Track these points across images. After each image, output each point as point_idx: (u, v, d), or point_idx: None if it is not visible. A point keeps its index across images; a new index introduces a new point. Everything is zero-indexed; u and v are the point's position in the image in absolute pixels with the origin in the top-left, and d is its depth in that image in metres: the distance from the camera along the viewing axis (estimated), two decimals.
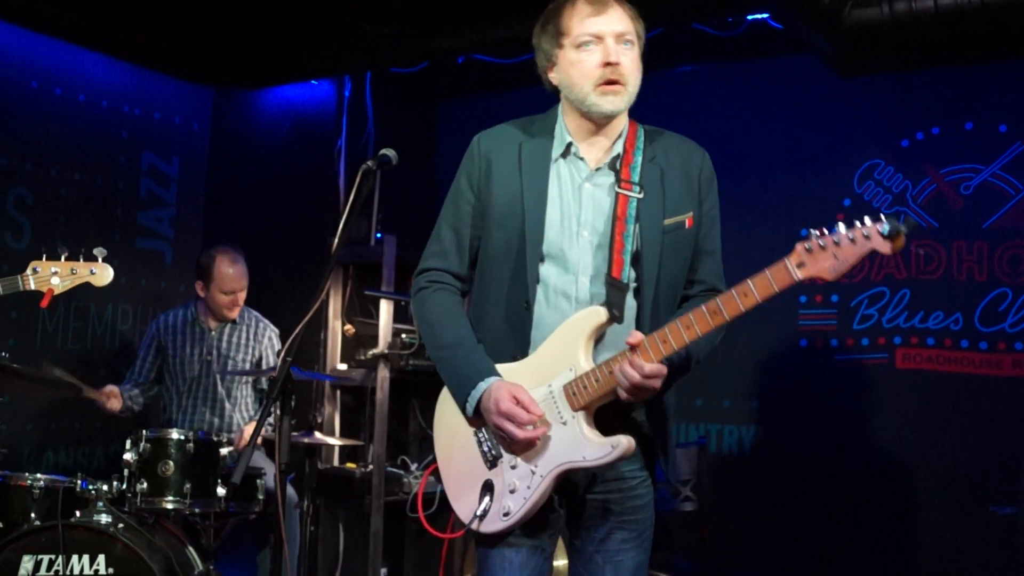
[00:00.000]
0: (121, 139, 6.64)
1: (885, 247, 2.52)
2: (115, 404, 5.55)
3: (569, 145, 3.06)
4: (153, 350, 5.87)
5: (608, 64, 2.96)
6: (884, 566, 5.70)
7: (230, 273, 5.74)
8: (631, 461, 2.97)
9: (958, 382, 5.65)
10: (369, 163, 3.27)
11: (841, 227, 2.56)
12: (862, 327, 5.90)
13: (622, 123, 3.09)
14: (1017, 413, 5.42)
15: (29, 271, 4.15)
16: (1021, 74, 5.61)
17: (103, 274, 4.25)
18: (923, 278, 5.78)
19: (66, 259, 4.18)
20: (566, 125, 3.09)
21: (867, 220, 2.54)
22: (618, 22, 3.00)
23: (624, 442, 2.78)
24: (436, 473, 3.16)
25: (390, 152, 3.32)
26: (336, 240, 3.29)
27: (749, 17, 6.00)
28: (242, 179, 7.09)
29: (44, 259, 4.18)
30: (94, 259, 4.23)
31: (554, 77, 3.09)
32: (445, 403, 3.11)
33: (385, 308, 6.20)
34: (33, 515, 4.64)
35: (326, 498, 6.13)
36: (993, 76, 5.67)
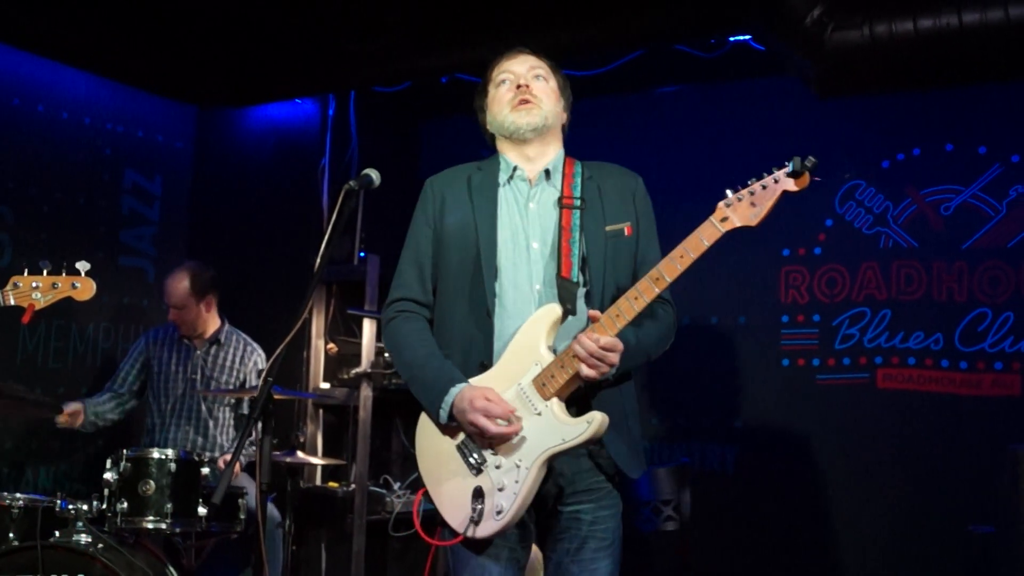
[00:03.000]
0: (104, 157, 6.62)
1: (791, 185, 2.91)
2: (76, 420, 5.56)
3: (515, 169, 3.35)
4: (140, 364, 5.88)
5: (519, 87, 3.35)
6: None
7: (167, 287, 5.84)
8: (598, 472, 3.18)
9: (938, 401, 5.67)
10: (352, 183, 3.31)
11: (753, 180, 2.95)
12: (843, 347, 5.92)
13: (554, 150, 3.40)
14: (997, 432, 5.43)
15: (9, 286, 4.09)
16: (1000, 96, 5.65)
17: (86, 288, 4.17)
18: (904, 298, 5.81)
19: (48, 274, 4.12)
20: (507, 157, 3.39)
21: (773, 168, 2.94)
22: (528, 61, 3.43)
23: (598, 417, 2.98)
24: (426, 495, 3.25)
25: (372, 173, 3.37)
26: (318, 259, 3.31)
27: (731, 39, 6.05)
28: (225, 197, 7.08)
29: (25, 274, 4.14)
30: (76, 273, 4.17)
31: (488, 122, 3.47)
32: (424, 427, 3.27)
33: (368, 327, 6.20)
34: (12, 535, 4.58)
35: (308, 517, 6.11)
36: (973, 98, 5.71)
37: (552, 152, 3.38)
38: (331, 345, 6.42)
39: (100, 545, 4.50)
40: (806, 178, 2.89)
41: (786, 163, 2.91)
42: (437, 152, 7.31)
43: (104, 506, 4.65)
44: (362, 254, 6.39)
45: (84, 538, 4.51)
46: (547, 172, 3.32)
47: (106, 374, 6.26)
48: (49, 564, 4.40)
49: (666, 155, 6.16)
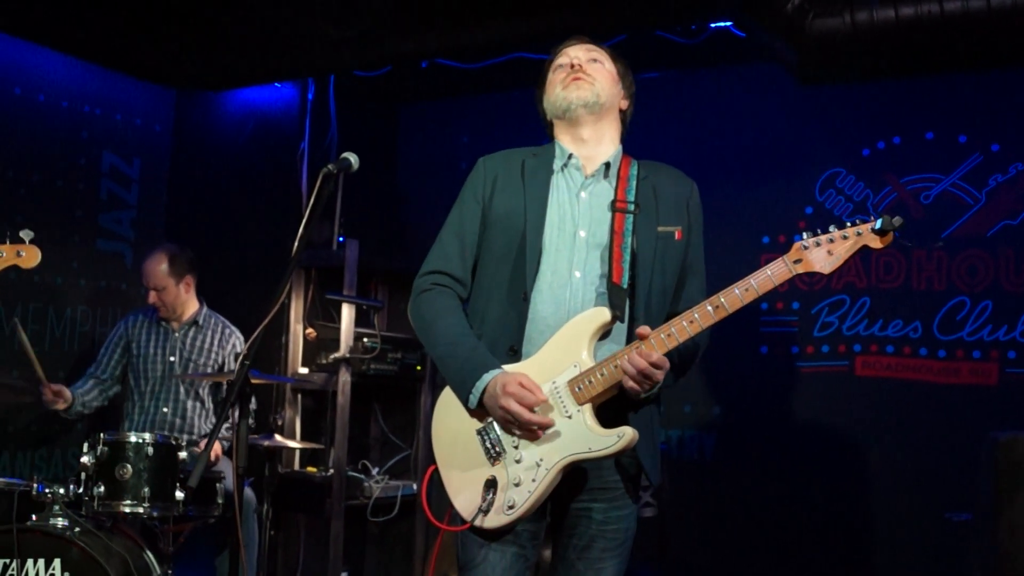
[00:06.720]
0: (81, 140, 6.57)
1: (876, 242, 2.88)
2: (59, 404, 5.55)
3: (570, 156, 3.29)
4: (120, 348, 5.88)
5: (572, 66, 3.30)
6: (843, 572, 5.73)
7: (146, 269, 5.85)
8: (616, 472, 3.15)
9: (917, 390, 5.68)
10: (330, 167, 3.29)
11: (833, 227, 2.91)
12: (823, 334, 5.93)
13: (611, 139, 3.37)
14: (974, 421, 5.46)
15: None
16: (981, 85, 5.66)
17: (31, 256, 4.11)
18: (883, 286, 5.82)
19: None
20: (562, 144, 3.34)
21: (857, 220, 2.92)
22: (586, 46, 3.39)
23: (629, 432, 2.93)
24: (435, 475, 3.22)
25: (351, 156, 3.35)
26: (296, 243, 3.29)
27: (712, 25, 6.04)
28: (204, 181, 7.04)
29: None
30: (21, 241, 4.12)
31: (545, 108, 3.41)
32: (445, 405, 3.20)
33: (347, 312, 6.18)
34: None
35: (286, 502, 6.10)
36: (953, 86, 5.72)
37: (608, 141, 3.35)
38: (310, 330, 6.40)
39: (77, 529, 4.50)
40: (891, 237, 2.87)
41: (873, 217, 2.88)
42: (416, 137, 7.30)
43: (81, 490, 4.65)
44: (341, 239, 6.37)
45: (61, 522, 4.51)
46: (607, 166, 3.28)
47: (84, 358, 6.23)
48: (26, 548, 4.40)
49: (647, 141, 6.13)
